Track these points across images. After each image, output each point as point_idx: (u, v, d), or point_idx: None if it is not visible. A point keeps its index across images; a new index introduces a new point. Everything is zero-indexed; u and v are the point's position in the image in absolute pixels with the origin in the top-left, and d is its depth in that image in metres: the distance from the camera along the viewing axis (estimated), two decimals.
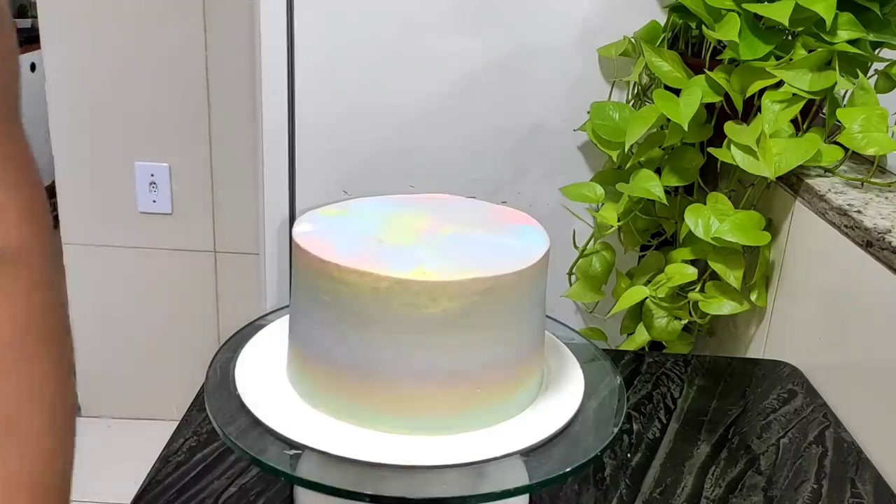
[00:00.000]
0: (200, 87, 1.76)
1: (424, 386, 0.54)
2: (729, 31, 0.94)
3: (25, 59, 2.50)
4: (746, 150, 0.93)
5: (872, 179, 0.94)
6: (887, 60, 0.97)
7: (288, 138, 1.30)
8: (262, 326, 0.68)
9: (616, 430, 0.56)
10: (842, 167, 1.00)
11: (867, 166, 1.02)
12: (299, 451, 0.53)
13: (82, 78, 1.75)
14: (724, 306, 1.04)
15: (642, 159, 1.09)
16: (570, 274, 1.22)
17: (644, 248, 1.23)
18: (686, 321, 1.09)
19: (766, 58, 0.94)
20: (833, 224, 0.89)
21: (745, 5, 0.94)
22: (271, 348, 0.64)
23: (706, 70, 0.99)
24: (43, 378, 0.32)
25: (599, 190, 1.14)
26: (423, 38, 1.18)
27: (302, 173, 1.31)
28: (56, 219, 1.86)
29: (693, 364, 0.91)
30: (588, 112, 1.16)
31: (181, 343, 1.95)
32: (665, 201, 1.04)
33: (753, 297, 1.03)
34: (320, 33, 1.18)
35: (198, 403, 0.76)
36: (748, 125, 0.97)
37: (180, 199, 1.83)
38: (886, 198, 0.90)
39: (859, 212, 0.85)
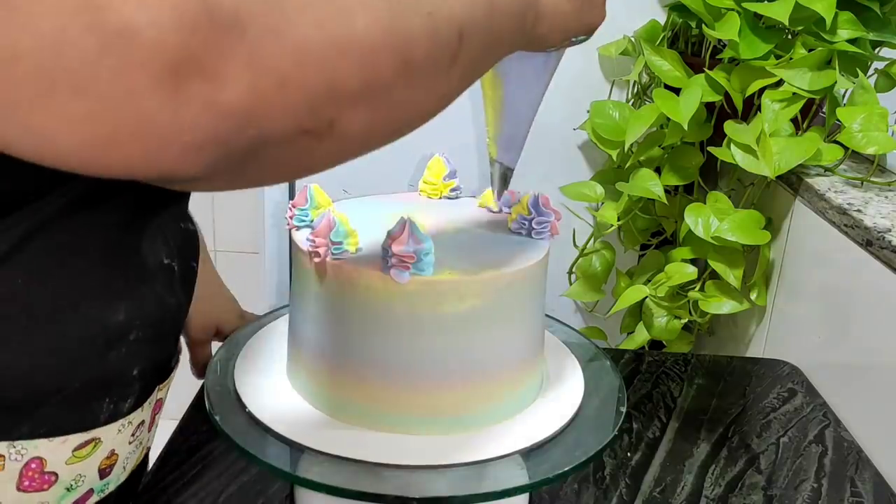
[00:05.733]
0: None
1: (428, 387, 0.54)
2: (729, 30, 0.94)
3: None
4: (746, 149, 0.93)
5: (872, 178, 0.94)
6: (887, 59, 0.97)
7: None
8: (261, 326, 0.68)
9: (616, 429, 0.56)
10: (842, 166, 1.00)
11: (867, 165, 1.02)
12: (299, 451, 0.53)
13: None
14: (723, 305, 1.04)
15: (642, 158, 1.09)
16: (570, 273, 1.22)
17: (644, 247, 1.23)
18: (686, 320, 1.09)
19: (765, 57, 0.94)
20: (833, 223, 0.89)
21: (745, 4, 0.94)
22: (271, 348, 0.64)
23: (706, 69, 0.99)
24: None
25: (599, 189, 1.14)
26: None
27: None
28: None
29: (693, 363, 0.91)
30: (588, 111, 1.16)
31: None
32: (665, 200, 1.04)
33: (753, 296, 1.03)
34: None
35: (198, 403, 0.76)
36: (748, 124, 0.97)
37: None
38: (886, 197, 0.90)
39: (859, 211, 0.85)
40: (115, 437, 0.53)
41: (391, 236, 0.51)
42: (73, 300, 0.47)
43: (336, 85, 0.31)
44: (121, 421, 0.53)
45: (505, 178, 0.60)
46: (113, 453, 0.53)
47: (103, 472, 0.53)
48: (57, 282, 0.46)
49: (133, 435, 0.55)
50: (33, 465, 0.48)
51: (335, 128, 0.32)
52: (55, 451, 0.49)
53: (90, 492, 0.53)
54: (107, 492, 0.54)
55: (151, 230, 0.51)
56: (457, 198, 0.68)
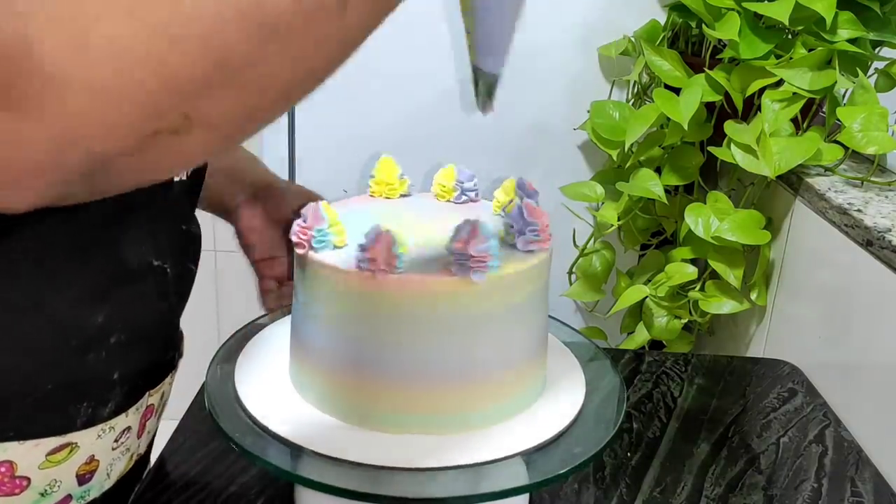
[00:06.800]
0: None
1: (432, 387, 0.54)
2: (729, 29, 0.94)
3: None
4: (746, 149, 0.93)
5: (872, 178, 0.94)
6: (887, 59, 0.97)
7: (288, 138, 1.30)
8: (262, 326, 0.68)
9: (616, 429, 0.56)
10: (842, 166, 1.00)
11: (867, 165, 1.02)
12: (299, 451, 0.53)
13: None
14: (724, 305, 1.04)
15: (642, 158, 1.09)
16: (570, 273, 1.22)
17: (644, 247, 1.23)
18: (686, 320, 1.09)
19: (766, 57, 0.94)
20: (833, 223, 0.89)
21: (745, 4, 0.94)
22: (271, 348, 0.64)
23: (706, 69, 0.99)
24: None
25: (599, 189, 1.14)
26: (423, 37, 1.18)
27: (302, 173, 1.31)
28: None
29: (693, 363, 0.91)
30: (588, 111, 1.16)
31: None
32: (665, 200, 1.04)
33: (753, 295, 1.03)
34: None
35: (198, 403, 0.76)
36: (748, 124, 0.97)
37: None
38: (886, 196, 0.90)
39: (859, 210, 0.84)
40: (95, 443, 0.51)
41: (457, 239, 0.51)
42: (42, 300, 0.45)
43: (173, 78, 0.27)
44: (100, 426, 0.51)
45: (484, 84, 0.51)
46: (93, 459, 0.51)
47: (82, 479, 0.51)
48: (25, 281, 0.44)
49: (117, 441, 0.53)
50: (3, 469, 0.47)
51: (194, 119, 0.29)
52: (27, 454, 0.47)
53: (68, 498, 0.51)
54: (88, 498, 0.53)
55: (135, 230, 0.49)
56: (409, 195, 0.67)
